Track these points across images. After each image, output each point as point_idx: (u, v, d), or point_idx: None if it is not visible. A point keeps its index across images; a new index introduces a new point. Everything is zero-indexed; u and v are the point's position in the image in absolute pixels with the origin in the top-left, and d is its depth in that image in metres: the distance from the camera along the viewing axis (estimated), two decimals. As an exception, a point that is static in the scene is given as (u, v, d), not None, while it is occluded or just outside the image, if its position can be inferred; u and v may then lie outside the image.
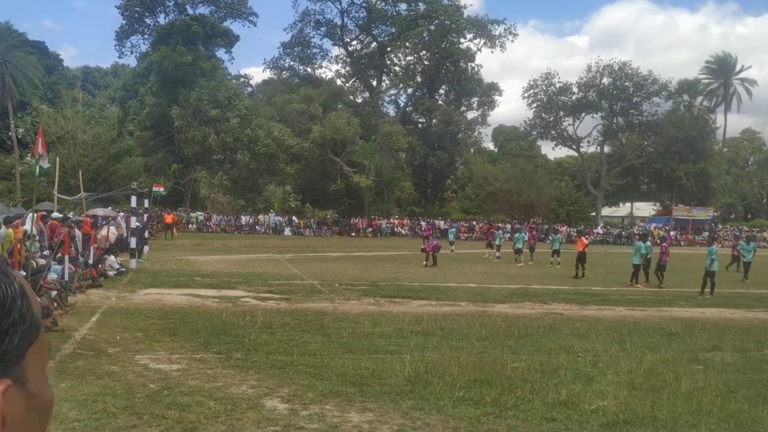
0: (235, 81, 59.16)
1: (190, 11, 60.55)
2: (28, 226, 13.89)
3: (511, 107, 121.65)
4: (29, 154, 47.79)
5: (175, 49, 51.70)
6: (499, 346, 9.50)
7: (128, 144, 50.12)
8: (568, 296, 16.75)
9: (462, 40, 66.06)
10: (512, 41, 67.56)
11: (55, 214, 17.25)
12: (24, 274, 10.22)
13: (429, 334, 10.35)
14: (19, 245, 12.33)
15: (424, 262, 25.05)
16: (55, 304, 11.30)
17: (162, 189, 36.09)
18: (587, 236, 35.26)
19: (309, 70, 69.85)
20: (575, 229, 45.12)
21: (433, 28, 62.77)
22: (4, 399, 0.69)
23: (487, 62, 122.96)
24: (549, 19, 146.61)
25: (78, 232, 17.24)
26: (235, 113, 52.28)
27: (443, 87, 70.82)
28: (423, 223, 50.36)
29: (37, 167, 11.89)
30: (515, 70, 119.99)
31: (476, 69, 69.37)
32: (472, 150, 70.17)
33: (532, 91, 70.48)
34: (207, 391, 6.67)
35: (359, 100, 69.03)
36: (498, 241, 31.54)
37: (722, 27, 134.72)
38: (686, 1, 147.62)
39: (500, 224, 50.12)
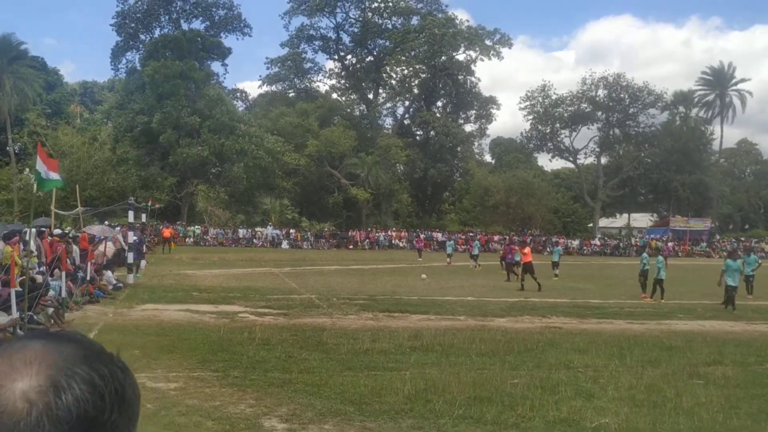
0: (221, 89, 58.80)
1: (184, 26, 60.70)
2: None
3: (501, 120, 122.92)
4: (27, 169, 47.84)
5: (165, 63, 51.75)
6: (499, 362, 9.44)
7: (125, 169, 50.04)
8: (567, 309, 16.70)
9: (454, 53, 66.50)
10: (509, 48, 68.13)
11: (57, 231, 17.19)
12: (21, 290, 10.17)
13: (428, 350, 10.28)
14: (19, 261, 12.24)
15: (511, 280, 24.43)
16: (52, 321, 11.24)
17: (149, 204, 35.67)
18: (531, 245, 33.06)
19: (305, 83, 70.20)
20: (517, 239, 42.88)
21: (423, 40, 63.14)
22: None
23: (479, 75, 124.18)
24: (536, 35, 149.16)
25: (75, 248, 17.17)
26: (215, 121, 51.86)
27: (441, 100, 71.20)
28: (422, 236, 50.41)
29: (36, 182, 11.74)
30: (504, 84, 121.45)
31: (474, 82, 69.95)
32: (470, 162, 70.39)
33: (528, 103, 70.90)
34: (205, 410, 6.61)
35: (356, 113, 69.30)
36: (476, 251, 32.96)
37: (706, 41, 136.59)
38: (670, 16, 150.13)
39: (481, 235, 50.70)
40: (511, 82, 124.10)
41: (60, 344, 0.72)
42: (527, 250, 23.33)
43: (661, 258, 20.31)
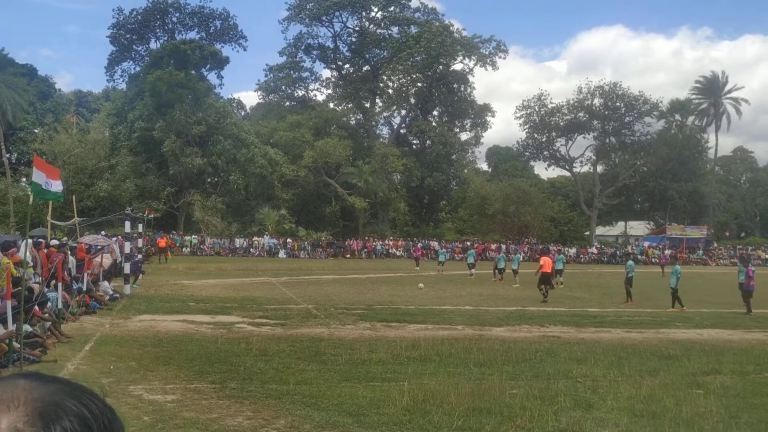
0: (223, 102, 59.04)
1: (179, 38, 60.73)
2: (22, 253, 13.74)
3: (494, 128, 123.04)
4: (24, 178, 47.73)
5: (168, 72, 51.88)
6: (498, 372, 9.41)
7: (122, 172, 50.05)
8: (565, 318, 16.68)
9: (452, 62, 66.77)
10: (504, 58, 68.36)
11: (54, 241, 17.10)
12: (17, 302, 10.10)
13: (426, 360, 10.25)
14: (15, 272, 12.14)
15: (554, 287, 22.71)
16: (49, 333, 11.16)
17: (147, 214, 35.75)
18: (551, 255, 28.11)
19: (302, 92, 70.44)
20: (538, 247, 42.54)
21: (422, 49, 63.33)
22: None
23: (473, 84, 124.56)
24: (529, 45, 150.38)
25: (72, 258, 17.08)
26: (226, 133, 52.18)
27: (437, 109, 71.36)
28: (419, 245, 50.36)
29: (33, 194, 11.59)
30: (498, 93, 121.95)
31: (469, 90, 70.13)
32: (466, 171, 70.51)
33: (524, 111, 71.10)
34: (202, 423, 6.56)
35: (353, 122, 69.42)
36: (470, 259, 33.02)
37: (697, 51, 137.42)
38: (661, 26, 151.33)
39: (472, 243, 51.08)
40: (504, 91, 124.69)
41: (48, 382, 0.73)
42: (544, 260, 21.86)
43: (677, 267, 20.22)
